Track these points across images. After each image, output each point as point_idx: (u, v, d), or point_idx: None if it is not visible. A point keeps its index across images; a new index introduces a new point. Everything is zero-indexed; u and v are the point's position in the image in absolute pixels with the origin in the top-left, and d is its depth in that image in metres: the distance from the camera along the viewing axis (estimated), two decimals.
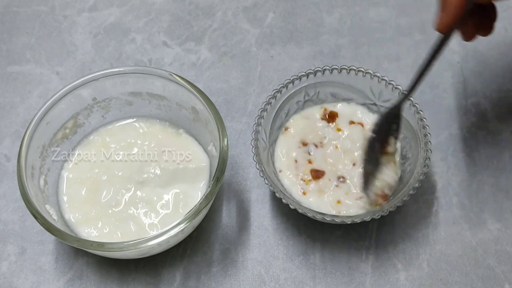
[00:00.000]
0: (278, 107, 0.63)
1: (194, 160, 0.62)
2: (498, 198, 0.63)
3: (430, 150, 0.58)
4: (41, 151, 0.59)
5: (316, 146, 0.63)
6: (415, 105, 0.60)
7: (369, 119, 0.64)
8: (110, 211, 0.60)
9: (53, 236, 0.55)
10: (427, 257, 0.60)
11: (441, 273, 0.60)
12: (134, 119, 0.66)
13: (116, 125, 0.65)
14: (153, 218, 0.59)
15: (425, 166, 0.57)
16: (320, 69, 0.63)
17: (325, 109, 0.65)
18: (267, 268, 0.61)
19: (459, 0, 0.50)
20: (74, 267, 0.61)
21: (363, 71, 0.63)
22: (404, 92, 0.58)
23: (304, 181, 0.61)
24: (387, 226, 0.62)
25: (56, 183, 0.61)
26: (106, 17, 0.79)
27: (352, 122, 0.64)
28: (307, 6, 0.79)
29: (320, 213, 0.56)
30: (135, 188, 0.61)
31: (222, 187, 0.65)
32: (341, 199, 0.60)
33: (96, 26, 0.78)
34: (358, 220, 0.55)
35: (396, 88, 0.62)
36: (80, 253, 0.61)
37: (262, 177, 0.57)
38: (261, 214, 0.63)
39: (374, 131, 0.59)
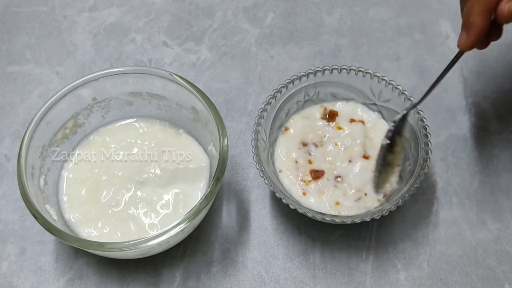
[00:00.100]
0: (278, 107, 0.63)
1: (194, 160, 0.62)
2: (498, 198, 0.63)
3: (430, 150, 0.58)
4: (41, 151, 0.59)
5: (316, 145, 0.63)
6: (415, 105, 0.60)
7: (370, 117, 0.64)
8: (110, 211, 0.60)
9: (53, 236, 0.55)
10: (427, 257, 0.60)
11: (441, 273, 0.60)
12: (134, 119, 0.66)
13: (116, 125, 0.65)
14: (153, 218, 0.59)
15: (425, 166, 0.57)
16: (320, 69, 0.63)
17: (325, 108, 0.65)
18: (267, 268, 0.61)
19: (484, 23, 0.52)
20: (74, 267, 0.61)
21: (363, 71, 0.63)
22: (411, 100, 0.61)
23: (304, 181, 0.61)
24: (387, 226, 0.62)
25: (56, 183, 0.61)
26: (106, 17, 0.78)
27: (352, 120, 0.64)
28: (307, 6, 0.79)
29: (320, 213, 0.56)
30: (135, 188, 0.61)
31: (222, 187, 0.65)
32: (339, 200, 0.60)
33: (96, 26, 0.78)
34: (358, 220, 0.55)
35: (396, 88, 0.62)
36: (80, 253, 0.61)
37: (262, 177, 0.57)
38: (261, 214, 0.63)
39: (388, 137, 0.60)
